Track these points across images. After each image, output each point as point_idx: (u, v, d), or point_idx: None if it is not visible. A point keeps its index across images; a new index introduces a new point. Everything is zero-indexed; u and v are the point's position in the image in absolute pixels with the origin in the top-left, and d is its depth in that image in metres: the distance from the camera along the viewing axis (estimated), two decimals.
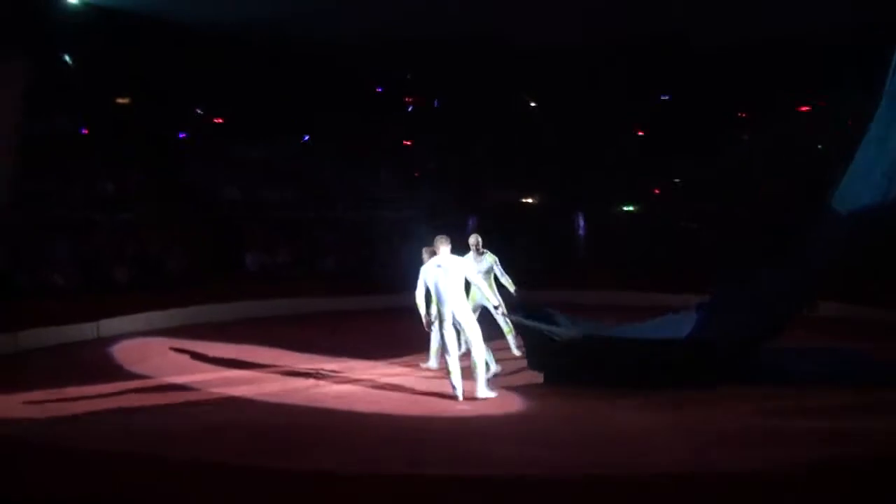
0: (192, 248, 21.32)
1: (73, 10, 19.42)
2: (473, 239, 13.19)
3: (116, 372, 13.12)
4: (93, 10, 19.63)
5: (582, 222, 24.83)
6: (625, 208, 25.97)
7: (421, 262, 11.07)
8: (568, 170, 24.67)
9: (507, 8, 20.47)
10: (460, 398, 10.58)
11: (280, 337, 15.49)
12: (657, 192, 26.04)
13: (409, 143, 27.08)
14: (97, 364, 13.72)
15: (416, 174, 26.51)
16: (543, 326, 11.54)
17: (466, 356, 10.83)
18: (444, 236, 10.76)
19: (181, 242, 21.32)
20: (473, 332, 10.64)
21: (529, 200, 26.41)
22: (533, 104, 27.09)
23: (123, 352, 14.83)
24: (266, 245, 22.83)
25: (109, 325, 16.63)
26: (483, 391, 10.62)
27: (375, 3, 20.33)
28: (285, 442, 9.00)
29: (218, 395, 11.32)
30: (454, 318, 10.55)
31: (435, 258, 10.67)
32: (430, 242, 11.14)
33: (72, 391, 11.50)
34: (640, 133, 26.12)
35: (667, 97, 25.64)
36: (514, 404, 10.67)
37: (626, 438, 9.12)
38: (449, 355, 10.64)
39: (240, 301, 19.29)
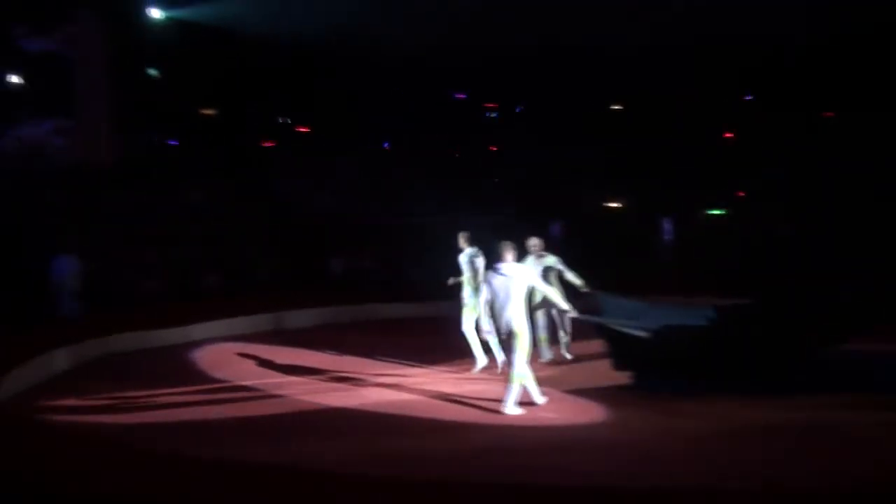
0: (279, 256, 21.70)
1: (158, 25, 19.95)
2: (534, 242, 13.16)
3: (201, 375, 13.39)
4: (177, 25, 20.16)
5: (668, 227, 24.34)
6: (712, 212, 25.42)
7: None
8: (654, 174, 24.28)
9: (590, 13, 20.37)
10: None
11: (367, 343, 15.50)
12: (741, 194, 25.40)
13: (493, 148, 27.04)
14: (183, 367, 14.04)
15: (496, 180, 26.47)
16: (619, 325, 11.28)
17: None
18: (509, 243, 10.49)
19: (268, 250, 21.72)
20: (522, 344, 10.28)
21: (615, 205, 26.08)
22: (618, 107, 26.79)
23: (209, 356, 15.10)
24: (351, 252, 23.08)
25: (199, 330, 16.95)
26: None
27: (459, 13, 20.43)
28: (377, 450, 9.07)
29: (301, 401, 11.38)
30: (509, 326, 10.24)
31: (498, 265, 10.41)
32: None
33: (154, 393, 11.84)
34: (728, 135, 25.60)
35: (750, 97, 25.09)
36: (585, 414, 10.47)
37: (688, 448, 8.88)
38: (513, 363, 10.32)
39: (324, 307, 19.42)
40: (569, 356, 13.45)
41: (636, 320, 11.38)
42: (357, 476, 7.60)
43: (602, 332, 11.51)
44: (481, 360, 12.80)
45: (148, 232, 20.16)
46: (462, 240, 13.09)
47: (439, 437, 9.65)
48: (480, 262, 12.72)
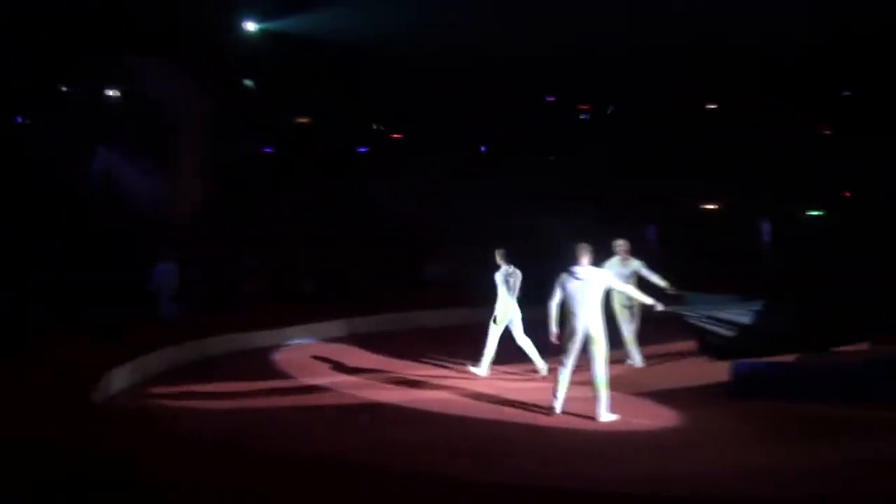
0: (373, 260, 21.96)
1: (252, 36, 20.49)
2: (619, 244, 13.06)
3: (291, 376, 13.75)
4: (270, 36, 20.67)
5: (767, 228, 23.61)
6: (811, 213, 24.63)
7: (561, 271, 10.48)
8: (751, 173, 23.67)
9: (680, 11, 20.10)
10: (557, 411, 10.35)
11: (461, 348, 15.55)
12: (847, 194, 24.56)
13: (582, 150, 26.84)
14: (275, 369, 14.44)
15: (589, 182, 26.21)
16: (703, 317, 11.12)
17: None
18: (585, 245, 10.36)
19: (363, 255, 22.00)
20: (600, 349, 10.20)
21: (712, 207, 25.53)
22: (713, 106, 26.27)
23: (301, 358, 15.44)
24: (446, 256, 23.16)
25: (293, 333, 17.33)
26: (605, 414, 10.20)
27: (545, 15, 20.40)
28: (445, 447, 9.30)
29: (397, 406, 11.48)
30: (586, 330, 10.19)
31: (574, 267, 10.28)
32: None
33: (245, 395, 12.28)
34: (827, 132, 24.81)
35: (848, 93, 24.25)
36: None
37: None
38: (564, 367, 10.26)
39: (417, 311, 19.56)
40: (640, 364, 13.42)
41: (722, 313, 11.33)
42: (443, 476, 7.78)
43: (688, 324, 11.39)
44: (541, 364, 12.91)
45: (245, 237, 20.69)
46: (498, 257, 13.26)
47: (500, 442, 9.66)
48: (516, 280, 12.96)
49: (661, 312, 10.91)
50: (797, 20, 20.23)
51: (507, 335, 13.21)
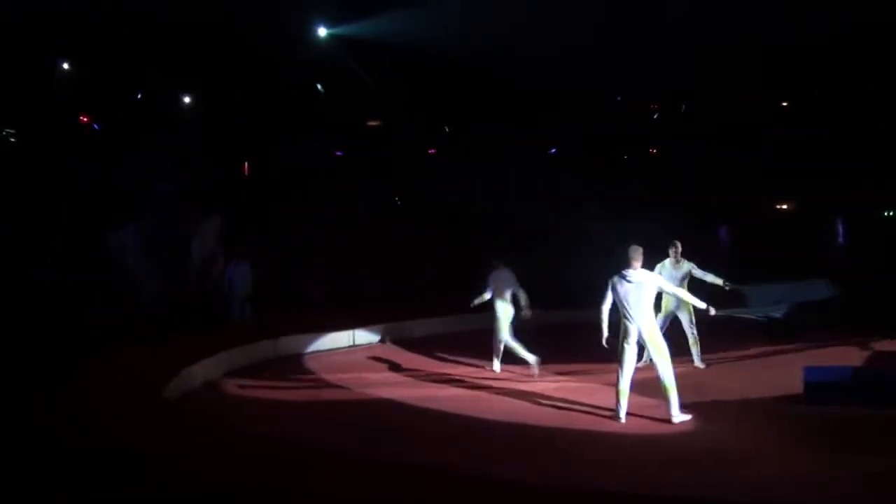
0: (442, 261, 22.06)
1: (323, 41, 20.80)
2: (674, 246, 12.99)
3: (353, 376, 13.93)
4: (341, 40, 20.95)
5: (842, 229, 22.98)
6: (889, 213, 23.96)
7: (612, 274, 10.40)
8: (826, 173, 23.12)
9: (752, 8, 19.81)
10: (622, 420, 10.23)
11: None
12: None
13: (654, 151, 26.58)
14: (342, 369, 14.66)
15: (663, 182, 25.91)
16: (748, 312, 11.26)
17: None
18: (637, 247, 10.19)
19: (432, 256, 22.13)
20: (661, 351, 10.09)
21: (784, 207, 25.03)
22: (785, 104, 25.76)
23: (365, 358, 15.69)
24: (513, 257, 23.08)
25: (362, 334, 17.52)
26: (677, 415, 10.09)
27: (617, 14, 20.31)
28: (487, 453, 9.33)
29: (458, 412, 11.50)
30: (640, 334, 10.10)
31: (625, 270, 10.18)
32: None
33: (310, 393, 12.58)
34: None
35: None
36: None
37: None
38: (622, 372, 10.15)
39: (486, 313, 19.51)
40: (702, 365, 13.20)
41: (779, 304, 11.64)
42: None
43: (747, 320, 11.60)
44: (531, 358, 13.31)
45: (315, 239, 20.97)
46: (498, 262, 13.98)
47: (565, 446, 9.66)
48: (500, 282, 13.63)
49: (714, 316, 10.87)
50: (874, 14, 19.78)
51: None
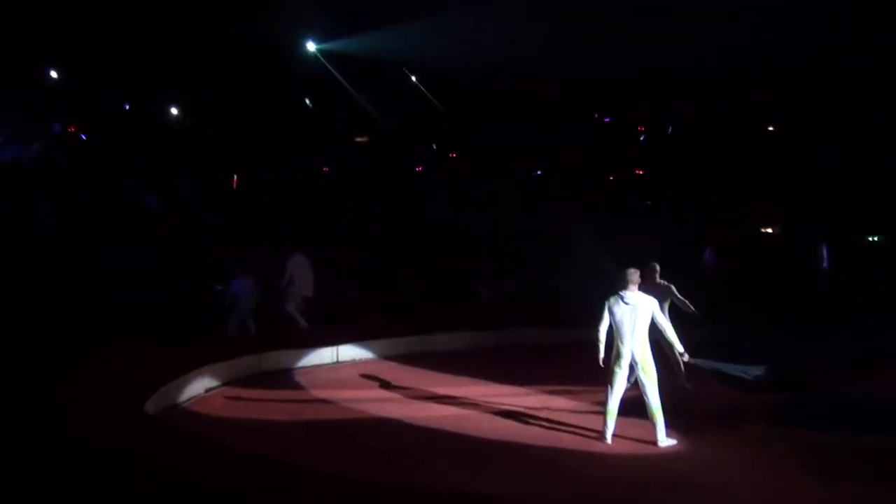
0: (429, 278, 22.02)
1: (310, 56, 20.84)
2: (652, 268, 12.88)
3: (337, 393, 13.85)
4: (328, 56, 20.99)
5: (825, 254, 22.98)
6: (870, 238, 24.01)
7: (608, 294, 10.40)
8: (809, 197, 23.24)
9: (739, 38, 19.99)
10: (608, 441, 10.24)
11: (498, 368, 15.62)
12: None
13: (640, 171, 26.69)
14: (328, 385, 14.57)
15: (648, 203, 26.02)
16: (727, 368, 11.11)
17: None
18: (634, 270, 10.26)
19: (419, 272, 22.08)
20: (650, 374, 10.10)
21: (769, 231, 25.11)
22: (771, 129, 25.93)
23: (351, 375, 15.61)
24: (499, 275, 23.14)
25: (347, 350, 17.42)
26: (663, 439, 10.12)
27: (606, 37, 20.43)
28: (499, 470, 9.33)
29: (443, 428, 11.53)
30: (633, 357, 10.07)
31: (622, 292, 10.17)
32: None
33: (295, 409, 12.51)
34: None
35: None
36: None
37: None
38: (612, 393, 10.14)
39: (470, 331, 19.50)
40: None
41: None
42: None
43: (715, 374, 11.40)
44: None
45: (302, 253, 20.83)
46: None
47: (555, 468, 9.64)
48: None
49: (687, 362, 10.86)
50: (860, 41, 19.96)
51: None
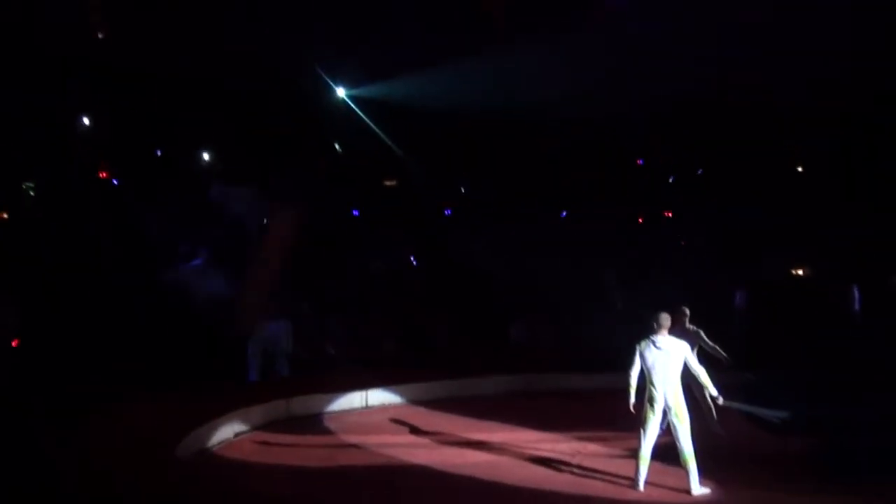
0: (459, 322, 21.96)
1: (341, 102, 21.08)
2: (682, 312, 12.71)
3: (367, 438, 13.78)
4: (358, 101, 21.23)
5: (857, 295, 22.57)
6: None
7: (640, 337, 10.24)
8: (841, 238, 22.98)
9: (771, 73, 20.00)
10: (641, 488, 10.07)
11: (528, 413, 15.48)
12: None
13: (669, 213, 26.58)
14: (359, 430, 14.50)
15: (682, 243, 25.84)
16: (758, 411, 10.94)
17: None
18: (665, 314, 10.12)
19: (448, 316, 22.02)
20: (684, 421, 9.94)
21: (800, 272, 24.83)
22: (800, 169, 25.79)
23: (381, 420, 15.52)
24: (530, 319, 23.01)
25: (376, 395, 17.36)
26: (696, 488, 9.93)
27: (633, 79, 20.51)
28: None
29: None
30: (666, 401, 9.93)
31: (653, 336, 10.04)
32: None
33: (326, 454, 12.47)
34: None
35: None
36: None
37: None
38: (644, 439, 9.99)
39: (498, 374, 19.38)
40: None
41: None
42: None
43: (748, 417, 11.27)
44: None
45: (331, 298, 20.93)
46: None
47: None
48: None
49: (721, 405, 10.64)
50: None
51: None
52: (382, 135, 22.65)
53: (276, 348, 17.70)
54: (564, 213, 26.60)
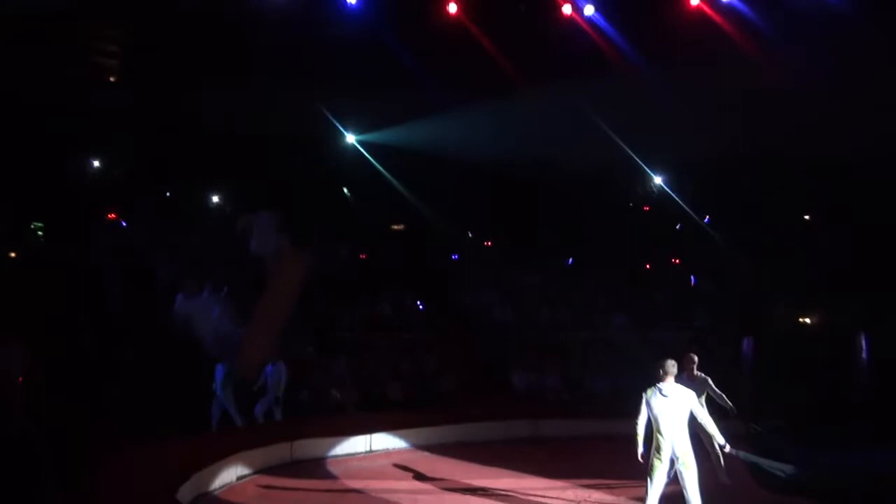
0: (464, 367, 21.89)
1: (350, 148, 21.30)
2: (689, 358, 12.60)
3: (370, 483, 13.67)
4: (368, 147, 21.43)
5: (865, 345, 22.38)
6: None
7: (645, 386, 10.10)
8: (848, 286, 22.91)
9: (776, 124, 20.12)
10: None
11: (532, 460, 15.39)
12: None
13: (676, 261, 26.57)
14: (361, 475, 14.39)
15: (692, 291, 25.80)
16: (766, 463, 10.76)
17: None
18: (672, 361, 9.95)
19: (453, 361, 21.95)
20: (691, 470, 9.74)
21: (807, 321, 24.69)
22: (807, 217, 25.81)
23: (384, 465, 15.42)
24: (535, 366, 22.91)
25: (380, 439, 17.26)
26: None
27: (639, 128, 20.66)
28: None
29: None
30: (673, 450, 9.77)
31: (660, 384, 9.91)
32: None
33: (329, 499, 12.23)
34: None
35: None
36: None
37: None
38: (651, 488, 9.77)
39: (503, 420, 19.28)
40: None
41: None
42: None
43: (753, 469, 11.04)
44: None
45: (337, 342, 20.90)
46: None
47: None
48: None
49: (728, 453, 10.49)
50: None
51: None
52: (392, 179, 22.88)
53: (269, 392, 17.22)
54: (571, 261, 26.57)
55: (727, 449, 10.23)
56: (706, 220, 27.00)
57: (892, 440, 12.54)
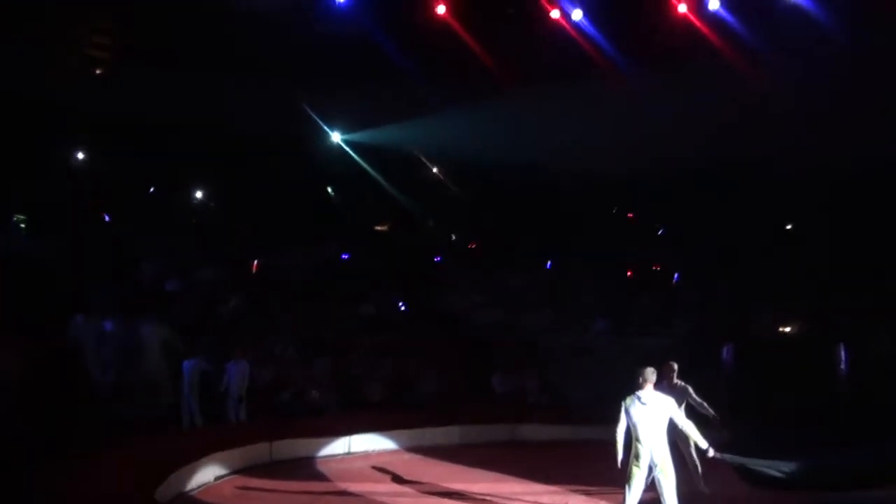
0: (444, 370, 21.89)
1: (335, 147, 21.28)
2: (669, 366, 12.63)
3: (349, 485, 13.66)
4: (353, 146, 21.42)
5: (844, 355, 22.42)
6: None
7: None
8: (828, 296, 23.09)
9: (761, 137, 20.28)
10: None
11: (511, 464, 15.39)
12: None
13: (657, 267, 26.65)
14: (340, 476, 14.41)
15: (673, 297, 25.85)
16: (757, 464, 10.79)
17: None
18: (651, 369, 9.96)
19: (434, 364, 21.96)
20: (669, 477, 9.77)
21: (787, 330, 24.81)
22: (788, 227, 25.95)
23: (364, 466, 15.42)
24: (515, 369, 22.94)
25: (360, 441, 17.26)
26: None
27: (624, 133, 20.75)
28: None
29: None
30: (651, 458, 9.78)
31: (639, 392, 9.92)
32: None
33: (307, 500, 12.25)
34: None
35: None
36: None
37: None
38: (629, 494, 9.78)
39: (482, 424, 19.33)
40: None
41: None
42: None
43: (741, 470, 11.06)
44: None
45: (319, 342, 20.87)
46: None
47: None
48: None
49: (712, 458, 10.51)
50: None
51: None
52: (378, 178, 22.85)
53: (232, 391, 16.74)
54: (549, 264, 26.59)
55: (710, 453, 10.26)
56: (687, 227, 27.09)
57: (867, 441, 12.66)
